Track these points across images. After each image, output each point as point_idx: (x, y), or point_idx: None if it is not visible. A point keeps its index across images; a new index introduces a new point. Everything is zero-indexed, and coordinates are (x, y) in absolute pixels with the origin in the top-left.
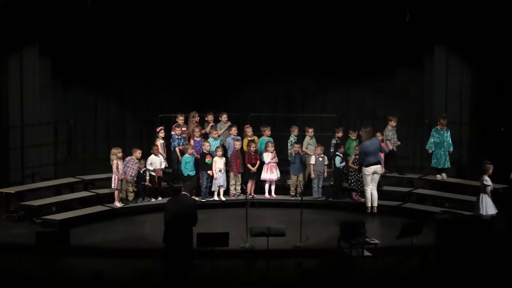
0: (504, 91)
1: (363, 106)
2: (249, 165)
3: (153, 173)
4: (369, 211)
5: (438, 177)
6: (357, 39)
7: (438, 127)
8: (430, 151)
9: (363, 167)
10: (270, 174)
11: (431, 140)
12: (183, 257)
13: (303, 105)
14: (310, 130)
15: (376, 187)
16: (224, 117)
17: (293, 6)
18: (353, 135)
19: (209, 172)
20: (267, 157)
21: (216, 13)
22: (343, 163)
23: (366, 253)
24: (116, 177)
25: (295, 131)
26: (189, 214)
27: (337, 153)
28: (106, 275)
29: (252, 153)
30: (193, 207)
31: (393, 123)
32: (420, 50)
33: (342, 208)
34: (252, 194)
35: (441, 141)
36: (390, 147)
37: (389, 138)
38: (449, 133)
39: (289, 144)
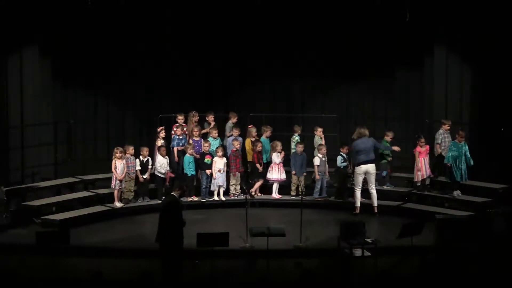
0: (504, 91)
1: (363, 106)
2: (258, 165)
3: (162, 176)
4: (358, 211)
5: (455, 194)
6: (357, 39)
7: (456, 140)
8: (449, 164)
9: (355, 167)
10: (280, 174)
11: (449, 154)
12: (173, 257)
13: (303, 105)
14: (320, 129)
15: (374, 186)
16: (234, 119)
17: (293, 6)
18: (388, 136)
19: (208, 171)
20: (277, 157)
21: (216, 13)
22: (345, 163)
23: (366, 253)
24: (115, 176)
25: (298, 130)
26: (169, 213)
27: (340, 152)
28: (106, 275)
29: (259, 153)
30: (170, 206)
31: (446, 126)
32: (420, 50)
33: (343, 208)
34: (258, 194)
35: (459, 154)
36: (439, 151)
37: (439, 141)
38: (467, 147)
39: (292, 143)
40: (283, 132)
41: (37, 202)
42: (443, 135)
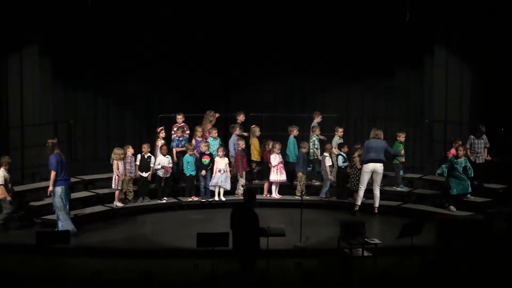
0: (504, 91)
1: (363, 106)
2: (270, 165)
3: (161, 174)
4: (357, 209)
5: (452, 208)
6: (357, 39)
7: (458, 158)
8: (436, 174)
9: (363, 165)
10: (280, 175)
11: (444, 166)
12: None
13: (303, 105)
14: (340, 129)
15: (379, 187)
16: (319, 118)
17: (293, 6)
18: (401, 137)
19: (203, 172)
20: (274, 159)
21: (216, 13)
22: (346, 163)
23: (366, 253)
24: (117, 177)
25: (316, 131)
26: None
27: (340, 152)
28: (106, 275)
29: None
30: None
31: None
32: (420, 50)
33: (343, 208)
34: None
35: (460, 171)
36: (468, 154)
37: (468, 145)
38: (467, 162)
39: (311, 144)
40: (284, 132)
41: (37, 202)
42: (473, 140)
